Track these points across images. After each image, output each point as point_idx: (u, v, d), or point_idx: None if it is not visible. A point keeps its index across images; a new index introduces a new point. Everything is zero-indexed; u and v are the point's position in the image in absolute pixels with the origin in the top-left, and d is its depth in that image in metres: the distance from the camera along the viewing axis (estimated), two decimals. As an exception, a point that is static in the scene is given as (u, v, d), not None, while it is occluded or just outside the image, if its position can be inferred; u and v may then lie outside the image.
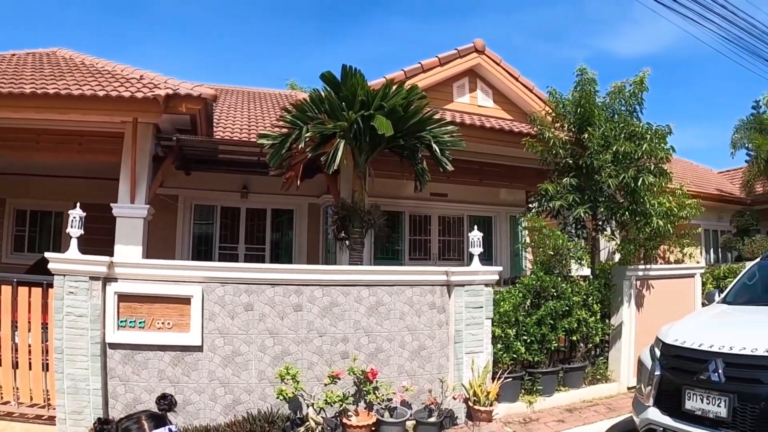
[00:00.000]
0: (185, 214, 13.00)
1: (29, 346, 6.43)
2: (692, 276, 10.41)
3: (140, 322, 6.27)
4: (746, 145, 20.84)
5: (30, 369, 6.43)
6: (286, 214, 13.77)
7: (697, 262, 12.00)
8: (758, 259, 7.63)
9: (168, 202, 12.11)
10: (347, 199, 9.06)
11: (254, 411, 6.33)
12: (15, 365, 6.45)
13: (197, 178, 12.34)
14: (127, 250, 8.70)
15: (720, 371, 4.98)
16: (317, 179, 11.27)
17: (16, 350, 6.47)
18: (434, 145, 8.49)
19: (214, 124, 10.83)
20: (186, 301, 6.37)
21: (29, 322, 6.42)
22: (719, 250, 20.58)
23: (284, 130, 8.70)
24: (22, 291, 6.42)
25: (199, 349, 6.41)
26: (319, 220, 13.54)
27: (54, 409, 6.20)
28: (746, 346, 4.98)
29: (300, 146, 8.16)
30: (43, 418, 6.42)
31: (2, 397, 6.56)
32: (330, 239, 12.34)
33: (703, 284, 10.25)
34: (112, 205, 9.01)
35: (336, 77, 8.21)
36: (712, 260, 20.07)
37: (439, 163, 8.73)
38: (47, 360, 6.43)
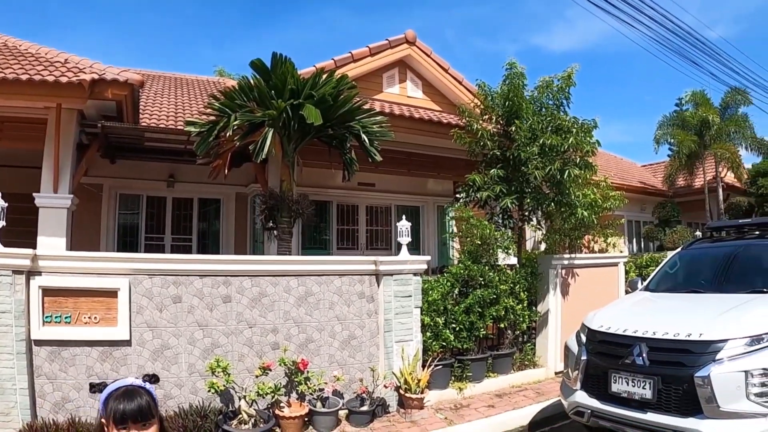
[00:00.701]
0: (110, 203, 12.56)
1: None
2: (616, 265, 10.76)
3: (66, 317, 6.01)
4: (669, 140, 21.71)
5: None
6: (213, 204, 13.51)
7: (621, 252, 12.40)
8: (679, 249, 7.94)
9: (92, 191, 11.71)
10: (275, 189, 8.96)
11: (186, 405, 6.19)
12: None
13: (122, 167, 11.97)
14: (51, 242, 8.42)
15: (644, 355, 5.19)
16: (245, 168, 11.11)
17: None
18: (363, 135, 8.48)
19: (141, 111, 10.52)
20: (113, 294, 6.15)
21: None
22: (642, 240, 21.36)
23: (212, 118, 8.52)
24: None
25: (128, 343, 6.21)
26: (247, 209, 13.36)
27: None
28: (669, 331, 5.18)
29: (228, 134, 8.01)
30: None
31: None
32: (258, 229, 12.19)
33: (627, 272, 10.61)
34: (34, 194, 8.68)
35: (266, 65, 8.10)
36: (635, 250, 20.84)
37: (367, 153, 8.74)
38: None
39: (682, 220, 20.74)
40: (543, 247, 10.70)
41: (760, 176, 21.43)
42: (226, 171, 8.88)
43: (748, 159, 22.20)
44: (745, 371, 4.63)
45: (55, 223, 8.76)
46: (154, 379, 2.29)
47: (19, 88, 7.82)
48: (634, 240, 21.83)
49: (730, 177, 22.75)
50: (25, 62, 8.45)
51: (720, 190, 20.87)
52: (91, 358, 6.07)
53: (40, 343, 5.92)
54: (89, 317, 6.07)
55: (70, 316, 6.03)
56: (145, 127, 10.18)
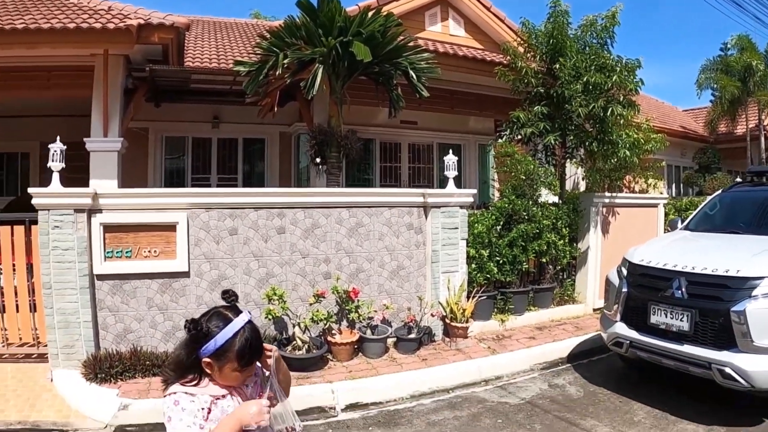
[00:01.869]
0: (156, 146, 12.86)
1: (15, 288, 6.38)
2: (656, 206, 10.80)
3: (127, 252, 6.25)
4: (711, 85, 21.25)
5: (17, 311, 6.42)
6: (257, 144, 13.68)
7: (661, 193, 12.40)
8: (719, 192, 7.99)
9: (140, 134, 12.01)
10: (323, 125, 9.12)
11: None
12: (2, 309, 6.43)
13: (168, 110, 12.17)
14: (103, 185, 8.62)
15: (683, 288, 5.37)
16: (289, 108, 11.27)
17: (2, 294, 6.44)
18: (411, 72, 8.58)
19: (183, 55, 10.73)
20: (171, 228, 6.38)
21: (14, 264, 6.35)
22: (681, 185, 21.14)
23: (257, 58, 8.68)
24: (4, 230, 6.32)
25: (186, 275, 6.46)
26: (291, 148, 13.52)
27: (45, 346, 6.22)
28: (707, 266, 5.34)
29: (278, 72, 8.17)
30: (33, 356, 6.46)
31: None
32: (302, 168, 12.41)
33: (666, 214, 10.64)
34: (85, 140, 8.93)
35: (312, 4, 8.19)
36: (674, 194, 20.66)
37: (414, 89, 8.83)
38: (34, 300, 6.40)
39: (722, 167, 20.45)
40: (583, 186, 10.77)
41: (804, 125, 21.02)
42: (275, 109, 9.06)
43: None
44: None
45: (106, 167, 9.02)
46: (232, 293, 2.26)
47: (67, 36, 8.00)
48: (674, 185, 21.61)
49: (773, 125, 22.27)
50: (70, 12, 8.58)
51: (762, 138, 20.46)
52: (151, 290, 6.35)
53: (102, 277, 6.18)
54: (149, 251, 6.32)
55: (130, 251, 6.27)
56: (193, 68, 10.36)
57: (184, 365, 2.09)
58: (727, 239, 6.37)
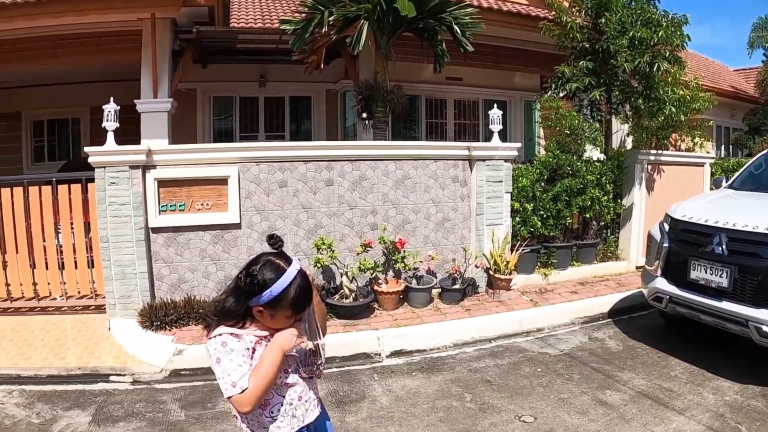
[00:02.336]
0: (204, 106, 13.15)
1: (73, 245, 6.67)
2: (702, 165, 10.67)
3: (180, 206, 6.51)
4: (763, 44, 20.61)
5: (76, 268, 6.73)
6: (304, 101, 13.85)
7: (707, 153, 12.22)
8: (765, 151, 7.89)
9: (189, 94, 12.27)
10: (369, 80, 9.22)
11: None
12: (61, 266, 6.72)
13: (214, 71, 12.44)
14: (154, 144, 8.92)
15: (723, 245, 5.36)
16: (335, 65, 11.38)
17: (61, 252, 6.74)
18: (455, 26, 8.60)
19: (229, 15, 10.90)
20: (223, 181, 6.60)
21: (72, 222, 6.65)
22: (730, 147, 20.68)
23: (302, 17, 8.79)
24: (62, 189, 6.60)
25: (238, 226, 6.70)
26: (337, 105, 13.65)
27: (102, 298, 6.53)
28: (748, 223, 5.31)
29: (324, 30, 8.28)
30: (91, 308, 6.78)
31: (51, 294, 6.85)
32: (348, 125, 12.54)
33: (712, 174, 10.50)
34: (135, 101, 9.23)
35: (357, -39, 8.24)
36: (722, 156, 20.23)
37: (459, 44, 8.87)
38: (91, 256, 6.72)
39: (773, 129, 19.98)
40: (630, 143, 10.69)
41: None
42: (321, 66, 9.19)
43: None
44: None
45: (157, 127, 9.32)
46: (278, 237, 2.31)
47: (113, 3, 8.28)
48: (723, 146, 21.12)
49: (826, 88, 21.55)
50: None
51: (814, 102, 19.89)
52: (204, 241, 6.60)
53: (157, 230, 6.46)
54: (201, 204, 6.56)
55: (183, 204, 6.52)
56: (239, 28, 10.52)
57: (233, 314, 2.15)
58: None
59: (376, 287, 6.97)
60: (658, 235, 6.29)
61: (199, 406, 4.73)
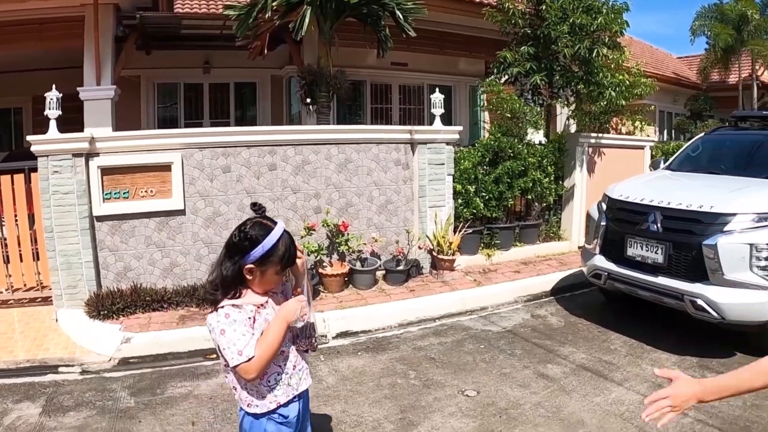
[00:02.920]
0: (148, 93, 12.99)
1: (18, 237, 6.52)
2: (642, 148, 10.99)
3: (124, 193, 6.42)
4: (705, 32, 21.16)
5: (21, 261, 6.57)
6: (249, 88, 13.79)
7: (647, 136, 12.54)
8: (702, 134, 8.16)
9: (132, 81, 12.09)
10: (313, 66, 9.23)
11: None
12: (6, 259, 6.55)
13: (158, 57, 12.28)
14: (98, 132, 8.79)
15: (658, 222, 5.57)
16: (280, 51, 11.33)
17: (5, 245, 6.57)
18: (398, 12, 8.65)
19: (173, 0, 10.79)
20: (167, 168, 6.53)
21: (15, 214, 6.49)
22: (672, 131, 21.24)
23: (246, 1, 8.75)
24: (5, 179, 6.42)
25: (182, 212, 6.65)
26: (282, 91, 13.60)
27: (49, 289, 6.41)
28: (682, 202, 5.51)
29: (267, 15, 8.26)
30: (38, 300, 6.64)
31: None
32: (294, 113, 12.52)
33: (653, 156, 10.79)
34: (78, 89, 9.06)
35: (300, -55, 8.22)
36: (665, 139, 20.78)
37: (401, 29, 8.93)
38: (36, 249, 6.58)
39: (714, 115, 20.52)
40: (574, 128, 10.92)
41: (798, 78, 21.05)
42: (265, 51, 9.16)
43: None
44: (750, 244, 4.95)
45: (100, 115, 9.17)
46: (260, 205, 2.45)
47: None
48: (665, 131, 21.71)
49: (766, 76, 22.29)
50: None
51: (755, 88, 20.54)
52: (149, 228, 6.54)
53: (102, 218, 6.36)
54: (146, 191, 6.49)
55: (128, 192, 6.43)
56: (183, 14, 10.45)
57: (229, 278, 2.27)
58: (706, 179, 6.55)
59: (320, 270, 7.01)
60: (596, 215, 6.48)
61: (148, 392, 4.72)
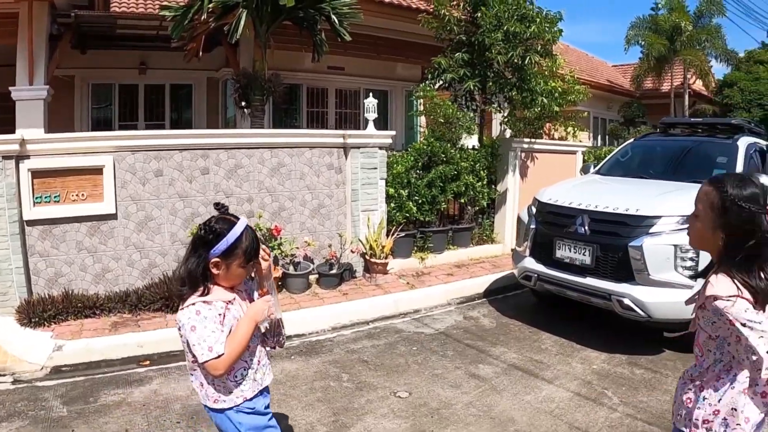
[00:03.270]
0: (83, 94, 12.66)
1: None
2: (574, 153, 11.33)
3: (55, 197, 6.25)
4: (640, 42, 21.90)
5: None
6: (185, 90, 13.59)
7: (580, 141, 12.93)
8: (632, 140, 8.46)
9: (66, 81, 11.82)
10: (248, 69, 9.22)
11: (170, 272, 6.47)
12: None
13: (94, 57, 11.99)
14: (28, 133, 8.59)
15: (586, 225, 5.78)
16: (217, 53, 11.25)
17: None
18: (333, 16, 8.70)
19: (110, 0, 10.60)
20: (98, 171, 6.40)
21: None
22: (606, 136, 21.88)
23: (183, 2, 8.68)
24: None
25: (114, 216, 6.52)
26: (219, 94, 13.45)
27: None
28: (609, 205, 5.75)
29: (203, 17, 8.21)
30: None
31: None
32: (230, 117, 12.43)
33: (585, 161, 11.13)
34: (10, 88, 8.82)
35: (236, -52, 8.20)
36: (598, 145, 21.42)
37: (337, 34, 8.97)
38: None
39: (647, 121, 21.25)
40: (509, 134, 11.16)
41: (727, 86, 21.98)
42: (200, 54, 9.10)
43: (720, 71, 22.69)
44: (675, 245, 5.18)
45: (32, 115, 8.92)
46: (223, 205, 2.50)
47: None
48: (599, 136, 22.35)
49: (698, 85, 23.18)
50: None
51: (686, 96, 21.36)
52: (80, 233, 6.38)
53: (32, 223, 6.16)
54: (77, 195, 6.32)
55: (59, 195, 6.26)
56: (120, 13, 10.24)
57: (196, 272, 2.32)
58: (634, 183, 6.78)
59: (253, 274, 6.97)
60: (526, 218, 6.66)
61: (80, 401, 4.64)
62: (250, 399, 2.49)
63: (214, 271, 2.34)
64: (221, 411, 2.45)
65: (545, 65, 9.93)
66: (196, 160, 6.93)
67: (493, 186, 9.80)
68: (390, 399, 4.64)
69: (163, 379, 4.97)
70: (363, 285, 7.55)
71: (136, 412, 4.43)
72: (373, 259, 7.62)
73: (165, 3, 9.65)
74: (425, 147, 8.63)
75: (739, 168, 6.65)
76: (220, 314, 2.32)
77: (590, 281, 5.68)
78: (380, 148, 7.92)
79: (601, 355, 5.58)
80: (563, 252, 5.96)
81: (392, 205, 8.23)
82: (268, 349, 2.67)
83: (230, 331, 2.34)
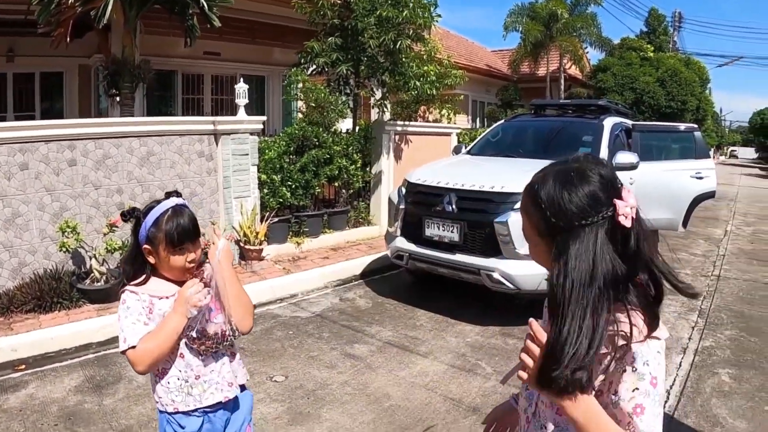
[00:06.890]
0: (-56, 83, 11.96)
1: None
2: (449, 134, 11.79)
3: None
4: (518, 28, 22.85)
5: None
6: (56, 78, 12.94)
7: (455, 124, 13.42)
8: (502, 121, 8.91)
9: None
10: (118, 55, 9.04)
11: (41, 271, 6.34)
12: None
13: (-45, 43, 11.38)
14: None
15: (453, 204, 6.07)
16: (88, 39, 10.84)
17: None
18: (202, 1, 8.60)
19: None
20: None
21: None
22: (485, 119, 22.73)
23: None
24: None
25: None
26: (91, 82, 12.94)
27: None
28: (475, 183, 6.06)
29: (69, 1, 7.97)
30: None
31: None
32: (103, 106, 12.09)
33: (460, 143, 11.58)
34: None
35: (97, -70, 7.99)
36: (477, 127, 22.25)
37: (207, 19, 8.91)
38: None
39: (523, 104, 22.20)
40: (388, 117, 11.44)
41: (601, 71, 23.38)
42: (68, 40, 8.80)
43: (595, 57, 24.08)
44: None
45: None
46: (178, 194, 2.28)
47: None
48: (478, 119, 23.15)
49: (573, 69, 24.47)
50: None
51: (562, 80, 22.49)
52: None
53: None
54: None
55: None
56: (-20, -6, 9.74)
57: (131, 258, 2.21)
58: (502, 161, 7.16)
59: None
60: (396, 198, 6.90)
61: None
62: (185, 413, 2.21)
63: (150, 259, 2.16)
64: (160, 411, 2.26)
65: (424, 50, 10.21)
66: (63, 151, 6.74)
67: (367, 169, 10.04)
68: (266, 384, 4.73)
69: (39, 383, 4.84)
70: (239, 272, 7.54)
71: (13, 418, 4.31)
72: (247, 246, 7.71)
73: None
74: (297, 132, 8.72)
75: (605, 145, 7.14)
76: (145, 306, 2.14)
77: (460, 257, 5.99)
78: (251, 133, 7.98)
79: (475, 328, 5.91)
80: (432, 230, 6.24)
81: (265, 191, 8.30)
82: (231, 361, 2.34)
83: None
